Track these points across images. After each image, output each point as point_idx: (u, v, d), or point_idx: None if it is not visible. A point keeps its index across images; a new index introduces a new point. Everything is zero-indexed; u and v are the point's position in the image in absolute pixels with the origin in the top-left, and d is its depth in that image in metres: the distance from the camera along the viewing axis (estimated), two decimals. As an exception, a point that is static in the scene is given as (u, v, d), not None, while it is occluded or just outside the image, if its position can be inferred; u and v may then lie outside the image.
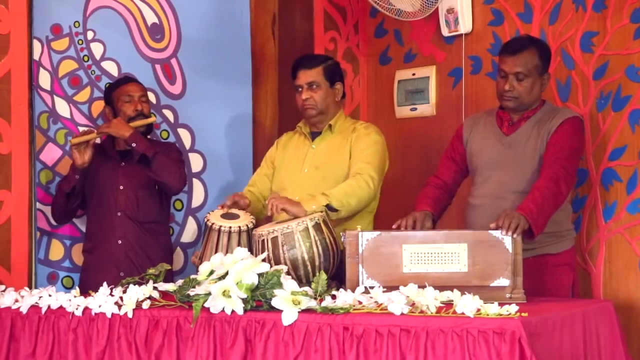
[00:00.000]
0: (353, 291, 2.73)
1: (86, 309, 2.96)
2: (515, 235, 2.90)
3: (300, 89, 3.58)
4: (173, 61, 4.16)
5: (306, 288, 2.73)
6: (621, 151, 3.65)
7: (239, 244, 3.21)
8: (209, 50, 4.21)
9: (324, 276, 2.75)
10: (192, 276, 2.89)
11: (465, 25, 4.14)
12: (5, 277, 3.59)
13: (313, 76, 3.56)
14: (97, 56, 4.01)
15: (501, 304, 2.52)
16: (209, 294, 2.74)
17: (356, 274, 2.95)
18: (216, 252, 3.15)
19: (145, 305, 2.89)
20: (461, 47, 4.19)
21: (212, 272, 2.81)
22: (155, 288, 2.94)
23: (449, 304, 2.58)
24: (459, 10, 4.13)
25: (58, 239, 3.92)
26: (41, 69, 3.87)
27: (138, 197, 3.79)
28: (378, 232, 2.98)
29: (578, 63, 3.78)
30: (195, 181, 4.17)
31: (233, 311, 2.72)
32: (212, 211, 3.41)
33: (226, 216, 3.33)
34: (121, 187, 3.79)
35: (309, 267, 3.10)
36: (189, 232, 4.15)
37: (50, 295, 3.04)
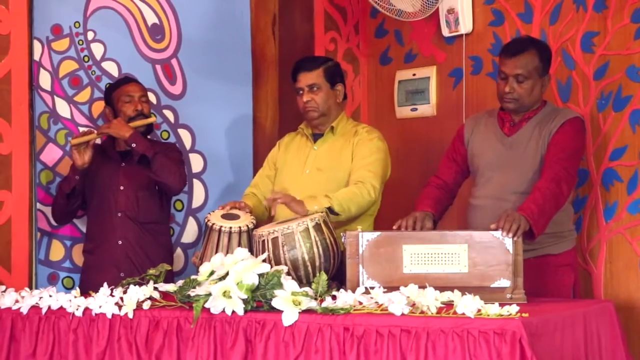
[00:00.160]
0: (353, 292, 2.73)
1: (86, 310, 2.96)
2: (516, 238, 2.90)
3: (301, 92, 3.58)
4: (173, 61, 4.16)
5: (306, 288, 2.73)
6: (622, 151, 3.65)
7: (239, 245, 3.21)
8: (210, 50, 4.21)
9: (324, 277, 2.75)
10: (193, 277, 2.89)
11: (465, 25, 4.14)
12: (5, 278, 3.59)
13: (313, 78, 3.56)
14: (98, 56, 4.01)
15: (502, 305, 2.52)
16: (210, 294, 2.74)
17: (356, 275, 2.95)
18: (216, 252, 3.15)
19: (146, 305, 2.89)
20: (462, 47, 4.18)
21: (212, 273, 2.81)
22: (155, 288, 2.94)
23: (449, 305, 2.58)
24: (459, 10, 4.13)
25: (58, 240, 3.92)
26: (41, 69, 3.87)
27: (138, 197, 3.79)
28: (378, 233, 2.98)
29: (579, 63, 3.78)
30: (196, 181, 4.17)
31: (233, 312, 2.72)
32: (213, 211, 3.41)
33: (227, 216, 3.33)
34: (121, 188, 3.79)
35: (310, 268, 3.10)
36: (190, 232, 4.15)
37: (50, 296, 3.04)
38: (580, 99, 3.77)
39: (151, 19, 4.12)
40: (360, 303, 2.67)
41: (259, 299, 2.73)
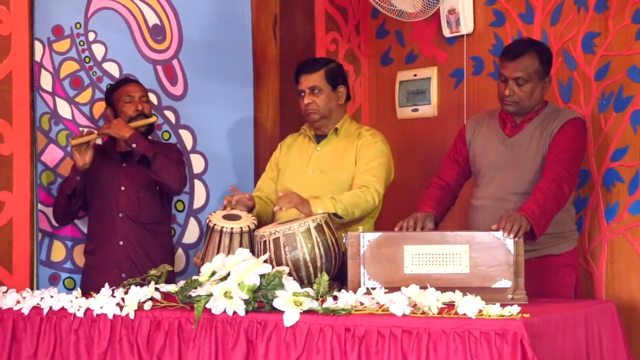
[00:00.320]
0: (355, 292, 2.73)
1: (88, 310, 2.96)
2: (517, 238, 2.90)
3: (302, 94, 3.58)
4: (174, 62, 4.16)
5: (308, 289, 2.73)
6: (623, 152, 3.65)
7: (240, 245, 3.21)
8: (211, 51, 4.21)
9: (325, 277, 2.75)
10: (194, 277, 2.88)
11: (466, 26, 4.14)
12: (6, 278, 3.59)
13: (314, 81, 3.56)
14: (99, 57, 4.01)
15: (503, 305, 2.52)
16: (211, 295, 2.74)
17: (358, 275, 2.95)
18: (218, 253, 3.15)
19: (147, 306, 2.89)
20: (462, 47, 4.18)
21: (213, 273, 2.81)
22: (157, 289, 2.94)
23: (450, 305, 2.57)
24: (460, 11, 4.12)
25: (59, 240, 3.92)
26: (42, 70, 3.87)
27: (139, 198, 3.79)
28: (380, 233, 2.98)
29: (580, 64, 3.78)
30: (197, 182, 4.17)
31: (235, 312, 2.72)
32: (214, 212, 3.41)
33: (228, 217, 3.33)
34: (122, 188, 3.79)
35: (311, 268, 3.10)
36: (191, 233, 4.15)
37: (51, 297, 3.04)
38: (581, 100, 3.77)
39: (152, 19, 4.12)
40: (362, 304, 2.66)
41: (261, 300, 2.73)
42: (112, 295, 2.97)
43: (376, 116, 4.53)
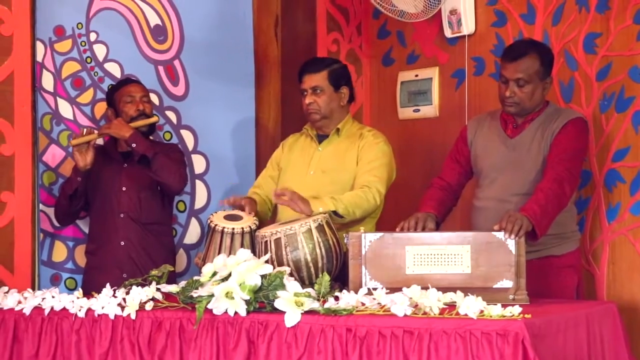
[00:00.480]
0: (356, 292, 2.73)
1: (89, 311, 2.96)
2: (518, 238, 2.90)
3: (305, 93, 3.58)
4: (176, 62, 4.16)
5: (309, 289, 2.73)
6: (625, 152, 3.64)
7: (242, 246, 3.21)
8: (212, 51, 4.22)
9: (326, 278, 2.75)
10: (195, 277, 2.88)
11: (468, 26, 4.14)
12: (8, 279, 3.59)
13: (317, 81, 3.56)
14: (100, 58, 4.01)
15: (504, 306, 2.51)
16: (212, 295, 2.74)
17: (359, 276, 2.95)
18: (219, 253, 3.15)
19: (148, 306, 2.89)
20: (464, 48, 4.18)
21: (215, 274, 2.81)
22: (158, 289, 2.94)
23: (452, 306, 2.57)
24: (461, 11, 4.12)
25: (61, 241, 3.92)
26: (44, 70, 3.87)
27: (141, 198, 3.79)
28: (381, 234, 2.98)
29: (581, 64, 3.78)
30: (198, 182, 4.17)
31: (236, 312, 2.72)
32: (216, 212, 3.41)
33: (229, 217, 3.33)
34: (124, 189, 3.79)
35: (312, 269, 3.10)
36: (192, 233, 4.15)
37: (53, 297, 3.04)
38: (582, 100, 3.76)
39: (154, 20, 4.13)
40: (363, 304, 2.66)
41: (262, 300, 2.73)
42: (114, 296, 2.97)
43: (377, 116, 4.53)
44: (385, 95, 4.52)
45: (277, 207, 3.60)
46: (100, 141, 3.85)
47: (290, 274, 2.93)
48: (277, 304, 2.67)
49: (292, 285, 2.72)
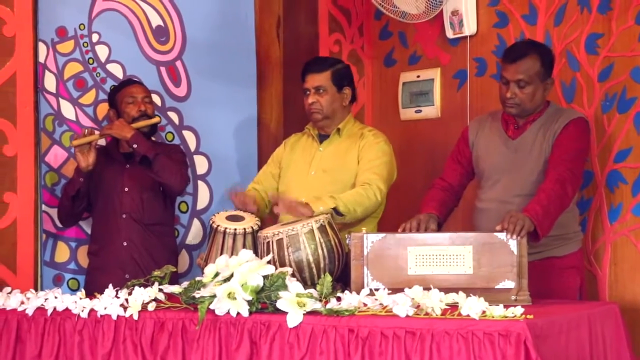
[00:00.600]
0: (358, 293, 2.73)
1: (92, 311, 2.96)
2: (519, 237, 2.90)
3: (307, 93, 3.59)
4: (178, 63, 4.17)
5: (311, 290, 2.73)
6: (626, 153, 3.65)
7: (244, 246, 3.22)
8: (214, 52, 4.22)
9: (329, 278, 2.76)
10: (198, 278, 2.89)
11: (469, 27, 4.14)
12: (11, 279, 3.59)
13: (320, 80, 3.56)
14: (102, 58, 4.01)
15: (506, 306, 2.52)
16: (214, 296, 2.74)
17: (361, 276, 2.95)
18: (221, 254, 3.16)
19: (151, 307, 2.89)
20: (466, 49, 4.18)
21: (217, 274, 2.81)
22: (160, 290, 2.95)
23: (454, 306, 2.57)
24: (463, 12, 4.13)
25: (64, 241, 3.92)
26: (46, 71, 3.88)
27: (143, 199, 3.80)
28: (383, 235, 2.98)
29: (583, 65, 3.78)
30: (201, 183, 4.17)
31: (238, 313, 2.72)
32: (218, 213, 3.41)
33: (231, 218, 3.33)
34: (126, 189, 3.80)
35: (314, 269, 3.11)
36: (194, 234, 4.16)
37: (56, 297, 3.04)
38: (584, 101, 3.76)
39: (156, 21, 4.13)
40: (365, 305, 2.67)
41: (264, 301, 2.73)
42: (116, 296, 2.97)
43: (379, 117, 4.53)
44: (387, 96, 4.52)
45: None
46: (102, 142, 3.86)
47: (293, 275, 2.94)
48: (280, 304, 2.67)
49: (294, 285, 2.72)
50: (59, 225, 3.88)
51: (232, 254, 3.11)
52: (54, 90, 3.90)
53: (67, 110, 3.94)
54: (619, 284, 3.66)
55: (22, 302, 3.08)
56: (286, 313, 2.65)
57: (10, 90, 3.67)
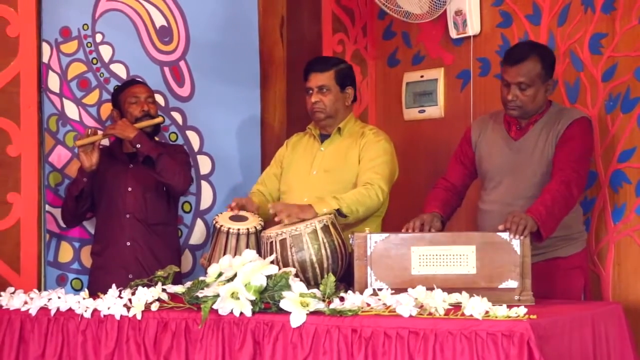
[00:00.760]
0: (361, 293, 2.73)
1: (95, 311, 2.97)
2: (522, 237, 2.89)
3: (310, 92, 3.59)
4: (181, 64, 4.17)
5: (314, 290, 2.73)
6: (630, 153, 3.64)
7: (247, 246, 3.22)
8: (218, 52, 4.22)
9: (332, 278, 2.76)
10: (201, 278, 2.89)
11: (473, 27, 4.13)
12: (14, 279, 3.60)
13: (324, 80, 3.57)
14: (106, 59, 4.02)
15: (510, 306, 2.51)
16: (218, 295, 2.74)
17: (364, 276, 2.95)
18: (225, 254, 3.16)
19: (154, 307, 2.89)
20: (469, 49, 4.18)
21: (220, 274, 2.81)
22: (163, 290, 2.95)
23: (457, 306, 2.58)
24: (467, 12, 4.12)
25: (67, 241, 3.93)
26: (50, 71, 3.88)
27: (146, 199, 3.80)
28: (386, 235, 2.98)
29: (587, 65, 3.78)
30: (204, 183, 4.17)
31: (241, 313, 2.73)
32: (221, 213, 3.42)
33: (235, 218, 3.34)
34: (129, 189, 3.80)
35: (317, 269, 3.11)
36: (198, 234, 4.16)
37: (59, 297, 3.05)
38: (588, 101, 3.76)
39: (159, 21, 4.13)
40: (368, 305, 2.67)
41: (267, 301, 2.73)
42: (119, 296, 2.98)
43: (383, 117, 4.53)
44: (391, 96, 4.52)
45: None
46: (105, 142, 3.86)
47: (296, 275, 2.94)
48: (283, 304, 2.67)
49: (297, 285, 2.72)
50: (63, 225, 3.88)
51: (235, 254, 3.11)
52: (57, 91, 3.91)
53: (71, 110, 3.94)
54: (623, 284, 3.66)
55: (26, 302, 3.09)
56: (289, 313, 2.65)
57: (14, 90, 3.67)
